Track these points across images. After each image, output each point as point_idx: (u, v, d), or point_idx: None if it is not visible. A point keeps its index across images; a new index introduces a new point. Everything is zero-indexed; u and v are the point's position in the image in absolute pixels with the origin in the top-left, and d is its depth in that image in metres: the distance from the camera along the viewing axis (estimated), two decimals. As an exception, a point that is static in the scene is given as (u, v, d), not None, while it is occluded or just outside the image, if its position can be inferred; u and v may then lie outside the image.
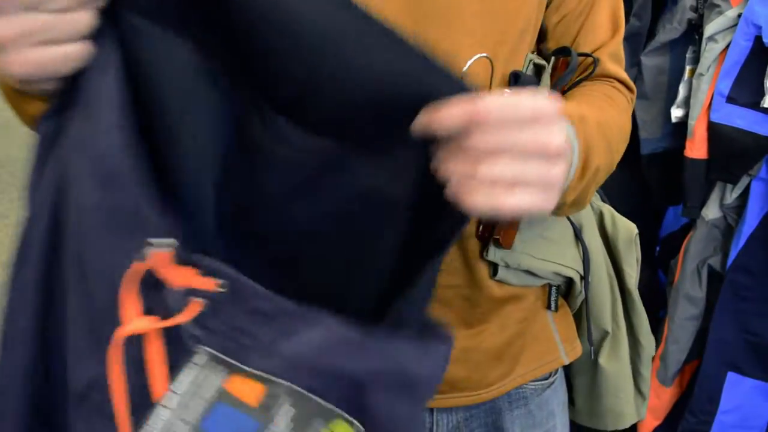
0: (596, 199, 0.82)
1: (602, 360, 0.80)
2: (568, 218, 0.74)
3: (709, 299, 1.45)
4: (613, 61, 0.72)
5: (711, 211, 1.41)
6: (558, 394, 0.79)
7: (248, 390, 0.44)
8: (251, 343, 0.45)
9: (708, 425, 1.48)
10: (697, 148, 1.34)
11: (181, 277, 0.44)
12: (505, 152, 0.43)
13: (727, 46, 1.27)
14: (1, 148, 5.51)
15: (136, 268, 0.43)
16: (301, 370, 0.45)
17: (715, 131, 1.31)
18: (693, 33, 1.35)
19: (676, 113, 1.39)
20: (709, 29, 1.29)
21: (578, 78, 0.71)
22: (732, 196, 1.38)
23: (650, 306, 1.60)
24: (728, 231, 1.42)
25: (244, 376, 0.45)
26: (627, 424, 0.84)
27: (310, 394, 0.44)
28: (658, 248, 1.59)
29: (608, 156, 0.64)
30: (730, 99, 1.28)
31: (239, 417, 0.44)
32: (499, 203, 0.43)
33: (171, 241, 0.44)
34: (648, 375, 0.85)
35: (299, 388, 0.44)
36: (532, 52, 0.69)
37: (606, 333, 0.79)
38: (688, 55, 1.37)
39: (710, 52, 1.29)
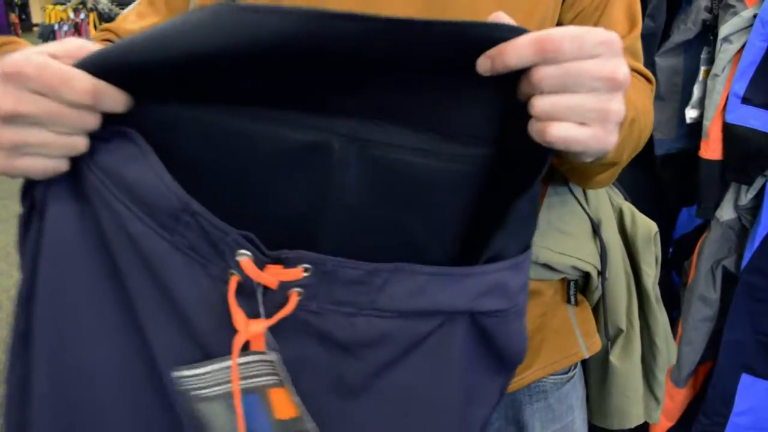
0: (617, 197, 0.82)
1: (613, 358, 0.80)
2: (587, 213, 0.74)
3: (724, 300, 1.44)
4: (628, 55, 0.72)
5: (725, 212, 1.41)
6: (577, 389, 0.80)
7: (284, 406, 0.50)
8: (357, 311, 0.49)
9: (722, 427, 1.48)
10: (711, 148, 1.34)
11: (271, 276, 0.48)
12: (571, 84, 0.44)
13: (742, 47, 1.27)
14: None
15: (233, 283, 0.48)
16: (408, 315, 0.50)
17: (730, 132, 1.30)
18: (708, 34, 1.34)
19: (690, 114, 1.38)
20: (724, 30, 1.28)
21: None
22: (747, 197, 1.37)
23: (664, 307, 1.60)
24: (743, 232, 1.41)
25: (288, 395, 0.50)
26: (633, 424, 0.83)
27: None
28: (671, 249, 1.58)
29: (643, 120, 0.64)
30: (745, 100, 1.27)
31: (262, 417, 0.51)
32: (562, 134, 0.44)
33: (247, 250, 0.48)
34: (663, 379, 0.84)
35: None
36: None
37: (620, 331, 0.79)
38: (703, 55, 1.36)
39: (725, 52, 1.29)
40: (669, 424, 1.58)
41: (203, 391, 0.49)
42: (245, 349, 0.48)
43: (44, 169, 0.46)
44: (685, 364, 1.48)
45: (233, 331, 0.48)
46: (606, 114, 0.45)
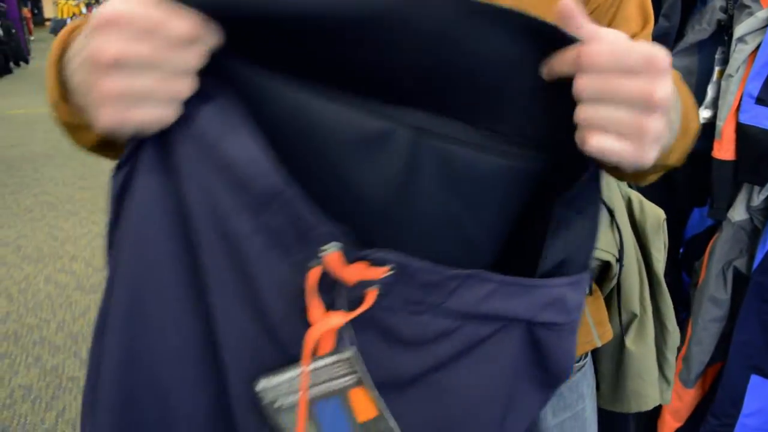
0: (624, 186, 0.83)
1: (629, 342, 0.82)
2: (603, 202, 0.75)
3: (734, 301, 1.44)
4: None
5: (737, 213, 1.41)
6: (587, 378, 0.81)
7: (363, 406, 0.50)
8: (425, 309, 0.50)
9: (730, 428, 1.47)
10: (724, 149, 1.34)
11: (354, 273, 0.48)
12: (607, 97, 0.45)
13: (757, 48, 1.27)
14: (25, 144, 5.59)
15: (314, 274, 0.47)
16: (471, 318, 0.51)
17: (743, 132, 1.30)
18: (722, 34, 1.34)
19: (704, 114, 1.38)
20: (738, 30, 1.28)
21: None
22: (759, 198, 1.37)
23: (674, 307, 1.60)
24: (755, 233, 1.41)
25: (368, 394, 0.50)
26: (650, 406, 0.85)
27: None
28: (682, 249, 1.58)
29: (696, 124, 0.64)
30: (760, 100, 1.27)
31: (343, 422, 0.50)
32: (599, 144, 0.45)
33: (338, 243, 0.48)
34: (673, 360, 0.87)
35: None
36: None
37: (634, 316, 0.81)
38: (717, 56, 1.36)
39: (740, 53, 1.29)
40: (677, 425, 1.57)
41: (284, 402, 0.49)
42: (316, 350, 0.49)
43: (153, 118, 0.44)
44: (694, 364, 1.48)
45: (305, 324, 0.48)
46: (641, 131, 0.45)
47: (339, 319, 0.48)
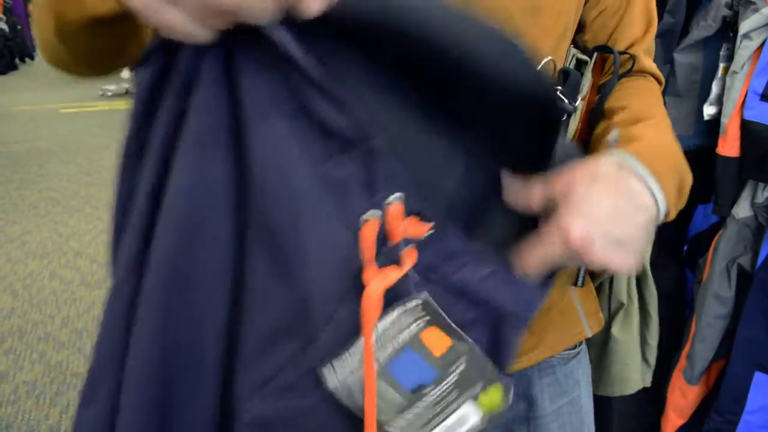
0: None
1: (615, 330, 0.86)
2: None
3: (738, 298, 1.44)
4: (648, 56, 0.75)
5: (742, 210, 1.40)
6: (582, 365, 0.83)
7: (438, 341, 0.49)
8: (435, 279, 0.50)
9: (734, 425, 1.47)
10: (729, 146, 1.33)
11: (406, 227, 0.47)
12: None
13: (762, 44, 1.26)
14: (30, 140, 5.61)
15: (371, 227, 0.46)
16: (464, 298, 0.51)
17: (748, 129, 1.30)
18: (727, 30, 1.33)
19: (708, 111, 1.38)
20: (744, 26, 1.28)
21: (621, 74, 0.73)
22: (764, 194, 1.36)
23: (677, 304, 1.60)
24: (759, 230, 1.41)
25: (440, 328, 0.49)
26: (633, 390, 0.90)
27: (483, 360, 0.51)
28: (686, 247, 1.58)
29: (685, 164, 0.67)
30: (764, 97, 1.26)
31: (422, 365, 0.48)
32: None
33: (402, 194, 0.47)
34: (654, 344, 0.92)
35: (479, 350, 0.50)
36: (570, 45, 0.71)
37: (621, 305, 0.84)
38: (722, 52, 1.36)
39: (745, 49, 1.28)
40: (681, 422, 1.57)
41: (351, 377, 0.47)
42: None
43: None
44: (698, 361, 1.48)
45: (355, 283, 0.46)
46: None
47: (395, 275, 0.47)
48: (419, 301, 0.48)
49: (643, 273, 0.88)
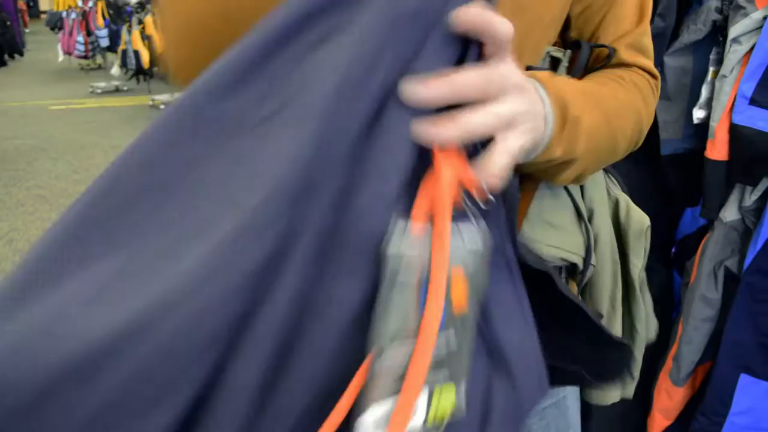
0: (615, 188, 0.84)
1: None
2: (574, 204, 0.76)
3: (725, 301, 1.46)
4: (633, 50, 0.72)
5: (729, 213, 1.42)
6: None
7: (460, 295, 0.43)
8: None
9: (719, 426, 1.49)
10: (718, 149, 1.35)
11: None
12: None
13: (752, 49, 1.28)
14: (18, 137, 5.59)
15: None
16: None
17: (736, 133, 1.31)
18: (717, 34, 1.35)
19: (698, 114, 1.40)
20: (733, 31, 1.29)
21: (594, 66, 0.72)
22: (751, 198, 1.38)
23: (665, 306, 1.61)
24: (746, 233, 1.42)
25: (466, 283, 0.43)
26: (611, 401, 0.87)
27: (473, 338, 0.45)
28: (674, 249, 1.60)
29: (602, 118, 0.64)
30: (753, 101, 1.28)
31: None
32: None
33: None
34: (640, 358, 0.89)
35: (472, 328, 0.45)
36: (554, 44, 0.70)
37: (600, 316, 0.82)
38: (712, 56, 1.37)
39: (734, 53, 1.30)
40: (667, 423, 1.59)
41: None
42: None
43: None
44: (684, 363, 1.50)
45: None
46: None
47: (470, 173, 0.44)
48: (483, 231, 0.44)
49: (631, 286, 0.86)
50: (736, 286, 1.42)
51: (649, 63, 0.74)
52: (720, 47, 1.35)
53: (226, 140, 0.42)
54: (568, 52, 0.71)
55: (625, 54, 0.72)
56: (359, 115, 0.41)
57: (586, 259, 0.77)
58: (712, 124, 1.35)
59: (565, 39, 0.73)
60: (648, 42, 0.75)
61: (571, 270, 0.79)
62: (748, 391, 1.46)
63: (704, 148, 1.38)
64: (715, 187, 1.38)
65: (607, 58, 0.71)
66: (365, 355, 0.41)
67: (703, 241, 1.47)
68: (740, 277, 1.42)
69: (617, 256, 0.82)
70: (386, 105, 0.43)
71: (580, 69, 0.71)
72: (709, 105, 1.38)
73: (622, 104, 0.69)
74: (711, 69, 1.38)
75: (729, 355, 1.45)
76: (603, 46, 0.71)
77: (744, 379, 1.46)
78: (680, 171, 1.47)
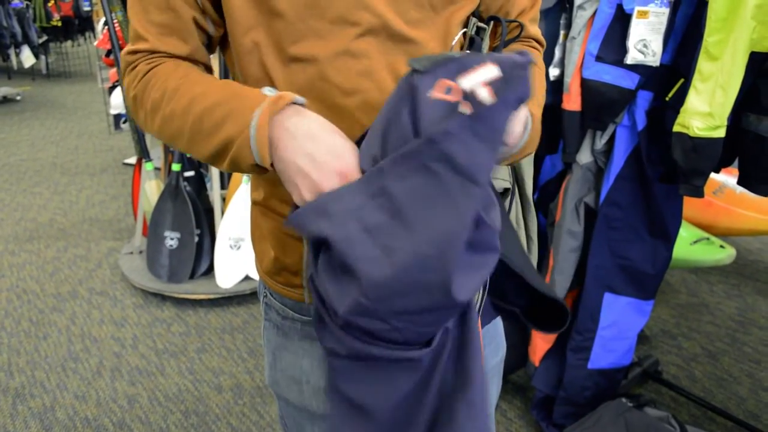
0: None
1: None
2: None
3: (587, 232, 1.67)
4: (534, 24, 0.86)
5: (584, 156, 1.63)
6: None
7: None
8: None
9: (591, 341, 1.71)
10: (572, 101, 1.54)
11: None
12: None
13: (594, 13, 1.48)
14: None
15: None
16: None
17: (586, 86, 1.51)
18: (565, 2, 1.54)
19: (553, 72, 1.58)
20: (578, -1, 1.49)
21: (507, 40, 0.83)
22: (601, 142, 1.59)
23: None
24: (599, 172, 1.64)
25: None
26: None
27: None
28: (536, 195, 1.79)
29: (539, 108, 0.81)
30: (598, 58, 1.47)
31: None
32: None
33: None
34: (534, 265, 1.05)
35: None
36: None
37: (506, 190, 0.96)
38: (562, 21, 1.57)
39: (580, 18, 1.49)
40: (547, 346, 1.79)
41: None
42: None
43: None
44: (558, 291, 1.69)
45: None
46: None
47: None
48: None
49: (526, 202, 0.97)
50: (595, 218, 1.64)
51: (540, 34, 0.88)
52: (568, 13, 1.54)
53: None
54: (491, 23, 0.82)
55: (530, 29, 0.85)
56: None
57: (513, 183, 0.91)
58: (566, 80, 1.54)
59: (477, 13, 0.84)
60: (538, 13, 0.88)
61: (503, 193, 0.93)
62: (612, 307, 1.69)
63: (560, 101, 1.57)
64: (573, 134, 1.58)
65: (519, 32, 0.83)
66: None
67: (564, 183, 1.67)
68: (597, 210, 1.64)
69: (515, 180, 0.97)
70: None
71: (503, 44, 0.81)
72: (562, 63, 1.57)
73: (542, 85, 0.83)
74: (561, 32, 1.56)
75: (593, 278, 1.67)
76: (516, 21, 0.82)
77: (608, 298, 1.68)
78: (541, 123, 1.65)
